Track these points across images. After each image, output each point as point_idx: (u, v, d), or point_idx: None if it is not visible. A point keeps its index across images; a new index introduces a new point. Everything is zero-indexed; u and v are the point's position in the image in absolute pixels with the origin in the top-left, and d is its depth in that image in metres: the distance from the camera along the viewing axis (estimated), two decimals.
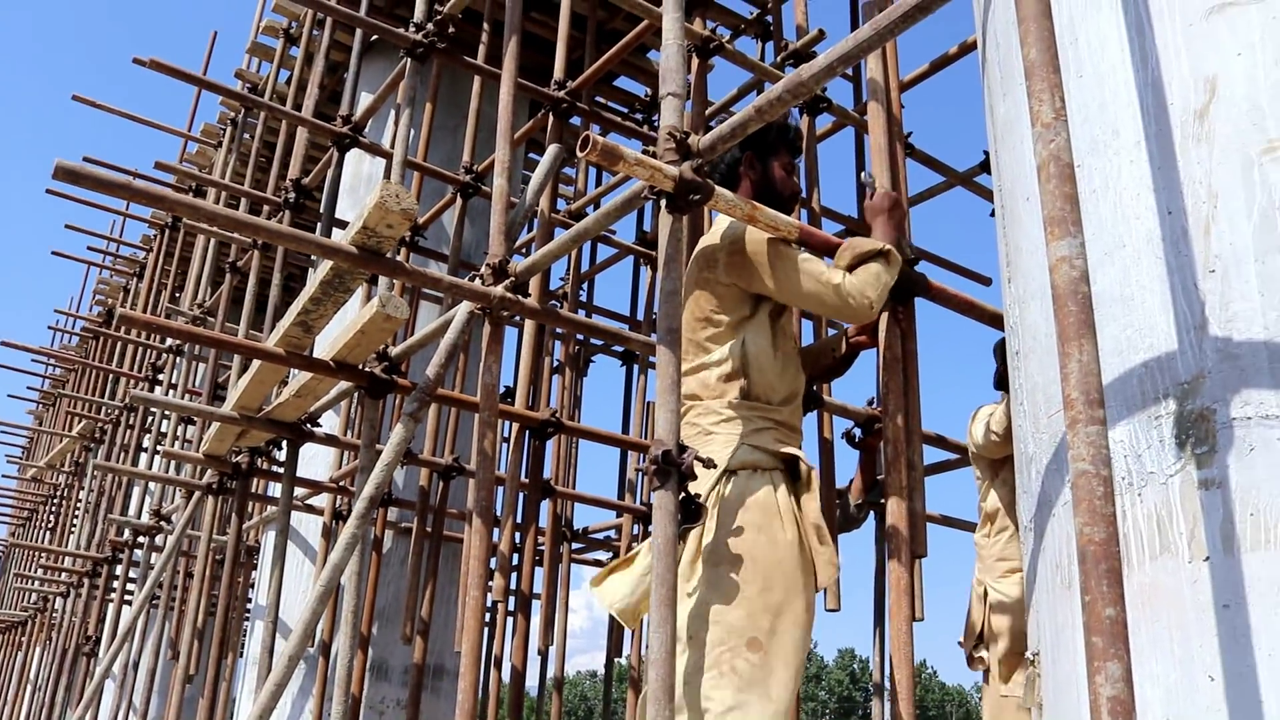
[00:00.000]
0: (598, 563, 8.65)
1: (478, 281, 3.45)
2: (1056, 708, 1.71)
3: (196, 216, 2.86)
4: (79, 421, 11.38)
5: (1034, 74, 1.55)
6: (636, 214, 7.42)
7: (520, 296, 3.41)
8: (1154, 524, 1.55)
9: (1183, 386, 1.56)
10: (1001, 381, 3.97)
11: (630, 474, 7.01)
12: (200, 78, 6.58)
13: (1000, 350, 3.95)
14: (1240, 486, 1.47)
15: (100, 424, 10.77)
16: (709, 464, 2.39)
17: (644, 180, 2.42)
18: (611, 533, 7.57)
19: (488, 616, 7.12)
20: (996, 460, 4.09)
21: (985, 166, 5.92)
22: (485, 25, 6.04)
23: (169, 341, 9.06)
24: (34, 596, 12.89)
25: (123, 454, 9.60)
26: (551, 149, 4.16)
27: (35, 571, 12.41)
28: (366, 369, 3.97)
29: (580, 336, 7.19)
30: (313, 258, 6.57)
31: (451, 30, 5.07)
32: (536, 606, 6.50)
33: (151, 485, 8.66)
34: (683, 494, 2.30)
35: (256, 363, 3.95)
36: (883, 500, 2.88)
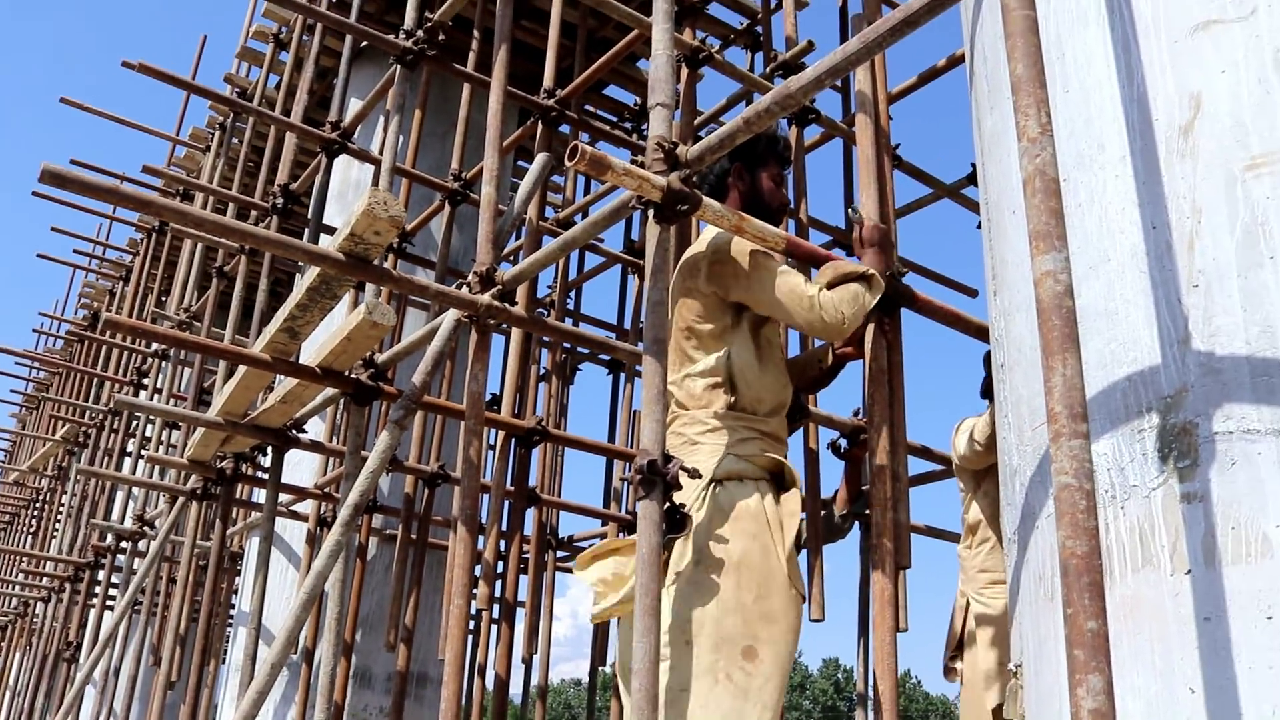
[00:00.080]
0: None
1: (465, 289, 3.45)
2: (1039, 719, 1.71)
3: (183, 221, 2.86)
4: (63, 425, 11.32)
5: (1020, 89, 1.56)
6: (625, 223, 7.43)
7: (507, 305, 3.42)
8: (1136, 537, 1.56)
9: (1166, 400, 1.57)
10: (988, 390, 3.99)
11: (616, 483, 7.00)
12: (189, 82, 6.57)
13: (989, 360, 3.97)
14: (1222, 500, 1.48)
15: (84, 428, 10.72)
16: (694, 474, 2.40)
17: (632, 190, 2.42)
18: (596, 541, 7.55)
19: (472, 624, 7.10)
20: (979, 472, 4.11)
21: (972, 179, 5.95)
22: (475, 33, 6.04)
23: (154, 346, 9.02)
24: (14, 601, 12.80)
25: (106, 458, 9.55)
26: (540, 157, 4.16)
27: (16, 576, 12.34)
28: (352, 376, 3.96)
29: (567, 345, 7.19)
30: (300, 264, 6.56)
31: (441, 37, 5.07)
32: (521, 614, 6.49)
33: (135, 490, 8.62)
34: (667, 504, 2.30)
35: (242, 368, 3.94)
36: (867, 511, 2.89)
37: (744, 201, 2.92)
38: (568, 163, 2.28)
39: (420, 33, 5.00)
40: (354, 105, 6.97)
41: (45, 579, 10.64)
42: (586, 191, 7.70)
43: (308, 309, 3.45)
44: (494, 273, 3.45)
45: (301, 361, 3.94)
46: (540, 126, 5.17)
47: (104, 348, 10.85)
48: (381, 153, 5.06)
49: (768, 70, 4.91)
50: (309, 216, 5.72)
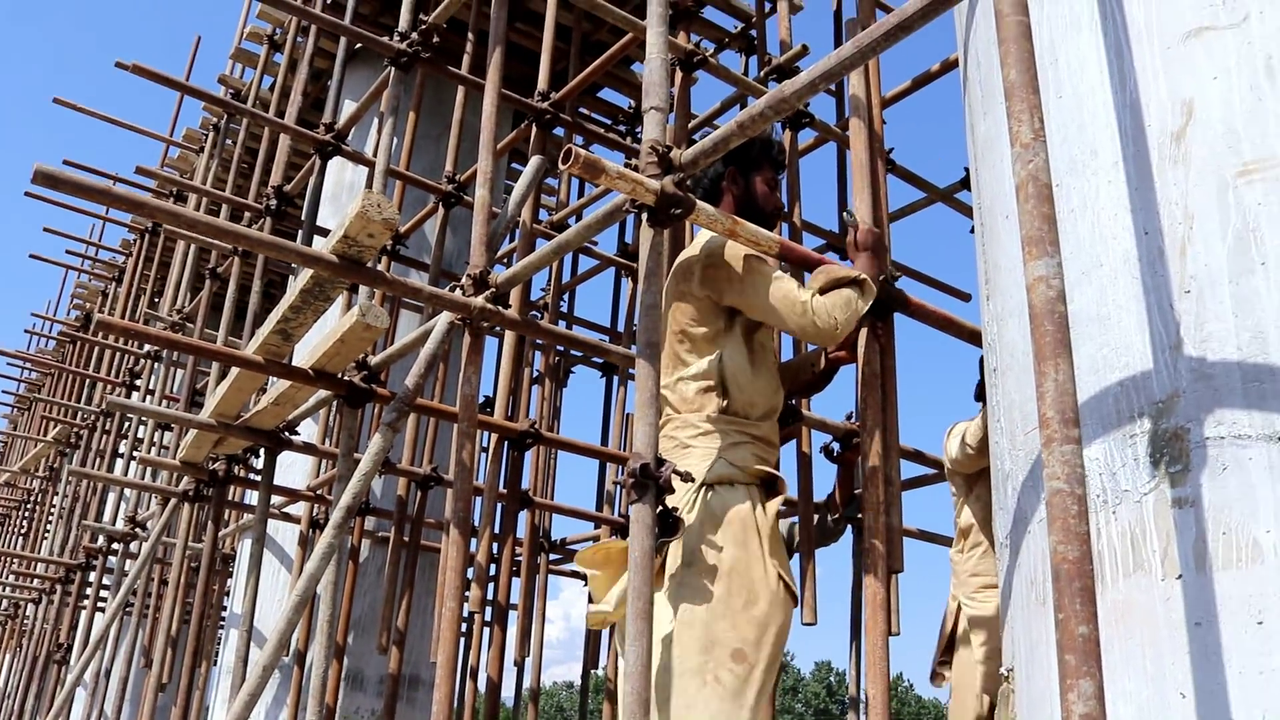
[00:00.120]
0: (575, 574, 8.62)
1: (458, 292, 3.44)
2: None
3: (177, 223, 2.85)
4: (54, 426, 11.28)
5: (1014, 94, 1.57)
6: (618, 226, 7.43)
7: (501, 307, 3.41)
8: (1128, 542, 1.56)
9: (1158, 405, 1.58)
10: (983, 393, 3.99)
11: (609, 486, 7.00)
12: (183, 83, 6.56)
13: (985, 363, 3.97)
14: (1213, 505, 1.49)
15: (76, 429, 10.69)
16: (686, 477, 2.40)
17: (626, 194, 2.42)
18: (589, 544, 7.55)
19: (464, 627, 7.10)
20: (971, 476, 4.11)
21: (966, 183, 5.96)
22: (470, 35, 6.04)
23: (146, 347, 9.00)
24: (5, 603, 12.77)
25: (98, 460, 9.52)
26: (534, 160, 4.16)
27: (7, 577, 12.29)
28: (345, 378, 3.96)
29: (560, 347, 7.19)
30: (293, 265, 6.55)
31: (436, 40, 5.07)
32: (513, 617, 6.48)
33: (127, 492, 8.60)
34: (660, 507, 2.30)
35: (235, 370, 3.94)
36: (860, 515, 2.89)
37: (738, 205, 2.92)
38: (562, 166, 2.28)
39: (415, 35, 4.99)
40: (348, 107, 6.97)
41: (36, 580, 10.61)
42: (580, 194, 7.69)
43: (301, 311, 3.45)
44: (487, 275, 3.45)
45: (294, 363, 3.94)
46: (534, 129, 5.17)
47: (96, 349, 10.83)
48: (375, 155, 5.06)
49: (762, 74, 4.91)
50: (302, 218, 5.71)
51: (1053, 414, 1.38)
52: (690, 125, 5.41)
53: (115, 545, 7.81)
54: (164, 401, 8.18)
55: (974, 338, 3.17)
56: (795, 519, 4.04)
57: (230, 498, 6.23)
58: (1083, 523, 1.33)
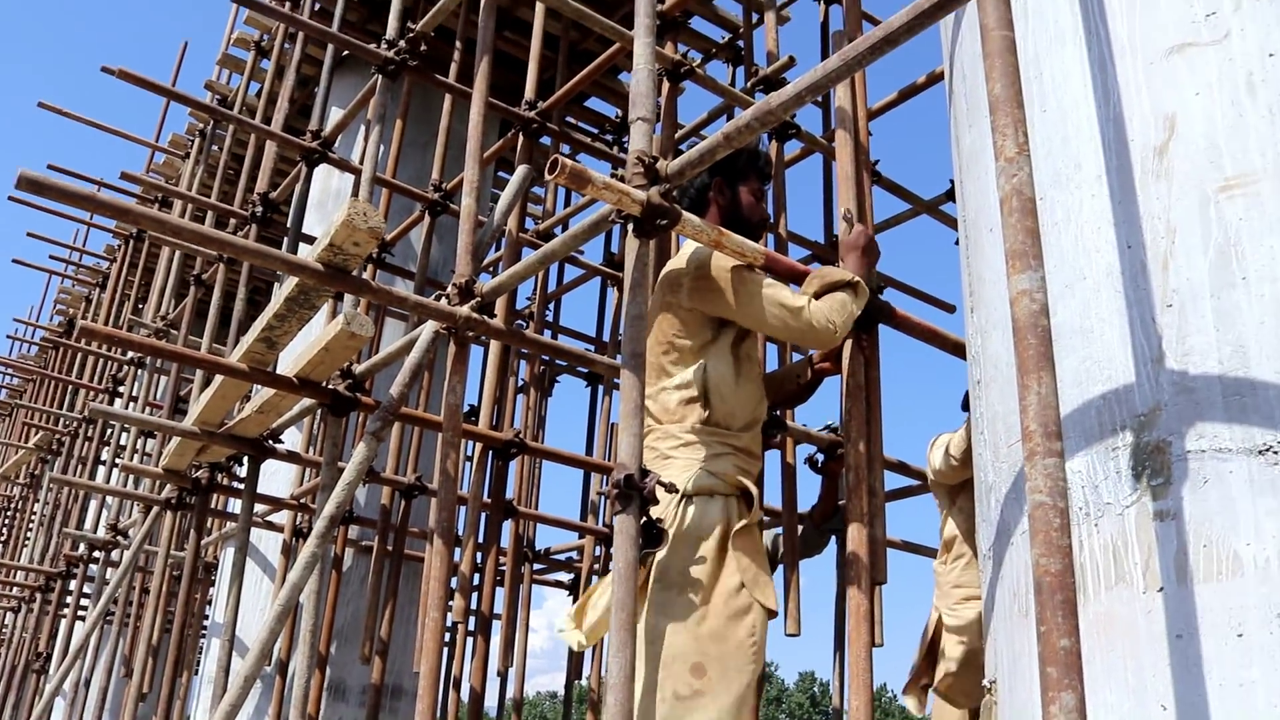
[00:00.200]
0: (559, 584, 8.61)
1: (444, 301, 3.44)
2: None
3: (162, 230, 2.84)
4: (36, 433, 11.22)
5: (998, 108, 1.58)
6: (605, 235, 7.44)
7: (486, 317, 3.41)
8: (1110, 554, 1.57)
9: (1140, 419, 1.58)
10: (969, 402, 4.00)
11: (594, 496, 7.00)
12: (169, 89, 6.54)
13: None
14: (1194, 518, 1.49)
15: (58, 436, 10.63)
16: (671, 488, 2.40)
17: (612, 204, 2.43)
18: (574, 554, 7.55)
19: (447, 637, 7.07)
20: (954, 487, 4.12)
21: (951, 195, 5.98)
22: (458, 43, 6.04)
23: (130, 354, 8.97)
24: None
25: (80, 467, 9.47)
26: (520, 170, 4.16)
27: None
28: (330, 386, 3.94)
29: (545, 357, 7.18)
30: (278, 273, 6.53)
31: (423, 48, 5.07)
32: (497, 627, 6.47)
33: (109, 499, 8.56)
34: (644, 518, 2.30)
35: (219, 377, 3.92)
36: (844, 526, 2.89)
37: (723, 216, 2.92)
38: (548, 176, 2.28)
39: (402, 43, 5.00)
40: (335, 114, 6.95)
41: (15, 589, 10.53)
42: (567, 204, 7.70)
43: (286, 319, 3.44)
44: (473, 284, 3.45)
45: (279, 371, 3.93)
46: (521, 138, 5.18)
47: (79, 355, 10.77)
48: (362, 162, 5.05)
49: (749, 85, 4.93)
50: (288, 225, 5.70)
51: (1035, 427, 1.38)
52: (677, 135, 5.42)
53: (96, 553, 7.76)
54: (147, 408, 8.14)
55: (958, 350, 3.18)
56: (779, 530, 4.04)
57: (213, 506, 6.21)
58: (1065, 535, 1.34)
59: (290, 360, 3.94)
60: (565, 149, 7.16)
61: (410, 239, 6.99)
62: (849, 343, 2.90)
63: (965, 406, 4.08)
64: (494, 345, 4.99)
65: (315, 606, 3.92)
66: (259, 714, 6.03)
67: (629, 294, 2.44)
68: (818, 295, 2.68)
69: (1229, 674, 1.40)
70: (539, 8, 5.17)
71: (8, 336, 13.54)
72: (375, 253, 5.98)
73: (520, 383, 7.08)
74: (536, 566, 7.14)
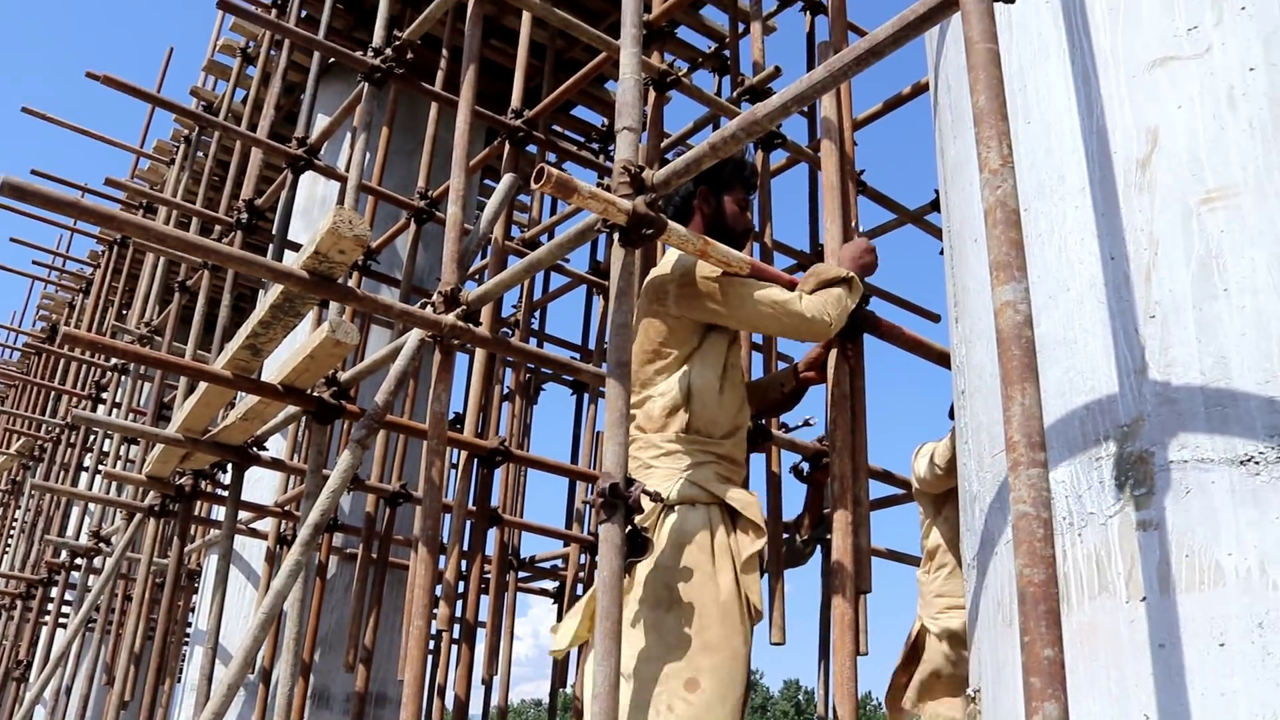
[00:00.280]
0: (544, 591, 8.59)
1: (429, 309, 3.44)
2: None
3: (146, 237, 2.83)
4: (18, 439, 11.14)
5: (983, 121, 1.59)
6: (590, 243, 7.44)
7: (472, 325, 3.41)
8: (1093, 564, 1.57)
9: (1123, 429, 1.59)
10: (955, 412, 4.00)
11: (579, 504, 6.99)
12: (154, 95, 6.52)
13: None
14: (1176, 528, 1.50)
15: (40, 442, 10.56)
16: (656, 497, 2.40)
17: (597, 213, 2.43)
18: (558, 562, 7.54)
19: (431, 645, 7.05)
20: (938, 496, 4.12)
21: (936, 205, 6.00)
22: (444, 51, 6.04)
23: (114, 360, 8.93)
24: None
25: (62, 473, 9.41)
26: (507, 178, 4.16)
27: None
28: (315, 394, 3.93)
29: (531, 365, 7.18)
30: (263, 280, 6.52)
31: (410, 56, 5.07)
32: (481, 635, 6.45)
33: (91, 506, 8.50)
34: (629, 527, 2.30)
35: (203, 384, 3.91)
36: (829, 536, 2.89)
37: (708, 225, 2.93)
38: (534, 185, 2.28)
39: (389, 51, 4.99)
40: (321, 121, 6.94)
41: None
42: (553, 212, 7.70)
43: (271, 326, 3.43)
44: (459, 292, 3.45)
45: (263, 379, 3.91)
46: (507, 146, 5.18)
47: (62, 361, 10.71)
48: (348, 170, 5.05)
49: (735, 95, 4.94)
50: (274, 232, 5.68)
51: (1019, 437, 1.39)
52: (663, 145, 5.43)
53: (78, 560, 7.72)
54: (130, 415, 8.10)
55: (943, 359, 3.19)
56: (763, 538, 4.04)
57: (197, 513, 6.18)
58: (1048, 546, 1.34)
59: (275, 367, 3.93)
60: (551, 157, 7.16)
61: (396, 246, 6.98)
62: (834, 352, 2.91)
63: (952, 415, 4.08)
64: (479, 353, 4.99)
65: (299, 614, 3.91)
66: None
67: (615, 302, 2.45)
68: (811, 292, 2.70)
69: (1211, 683, 1.40)
70: (526, 16, 5.17)
71: None
72: (361, 260, 5.97)
73: (505, 390, 7.07)
74: (521, 574, 7.13)
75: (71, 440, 9.45)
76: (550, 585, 8.43)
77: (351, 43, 7.44)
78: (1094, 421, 1.63)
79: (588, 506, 6.67)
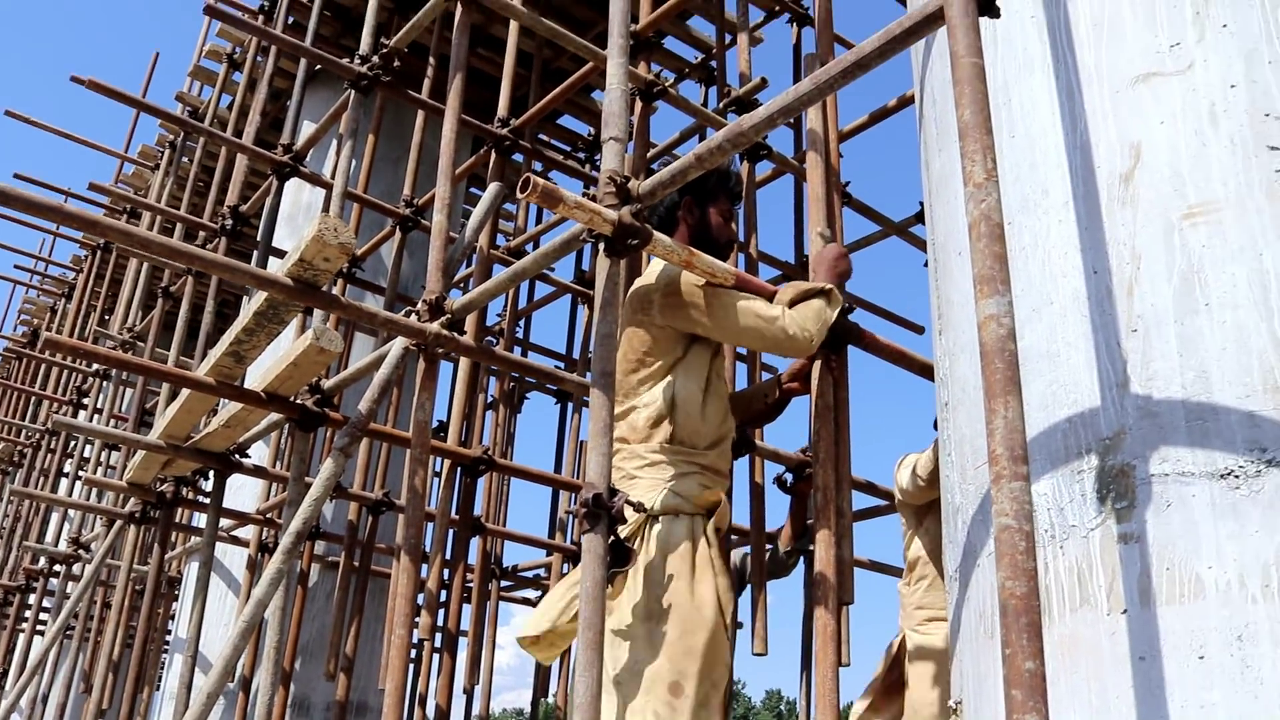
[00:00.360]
0: (526, 600, 8.58)
1: (414, 317, 3.43)
2: None
3: (129, 242, 2.82)
4: None
5: (967, 135, 1.59)
6: (576, 252, 7.44)
7: (456, 334, 3.40)
8: (1075, 576, 1.58)
9: (1105, 442, 1.60)
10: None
11: (562, 513, 6.98)
12: (139, 100, 6.51)
13: None
14: (1157, 541, 1.51)
15: (19, 447, 10.50)
16: (639, 508, 2.40)
17: (583, 223, 2.43)
18: (541, 571, 7.52)
19: (413, 654, 7.03)
20: (921, 508, 4.12)
21: (920, 217, 6.03)
22: (431, 60, 6.04)
23: (95, 365, 8.88)
24: None
25: (42, 479, 9.36)
26: (492, 187, 4.16)
27: None
28: (298, 401, 3.92)
29: (515, 374, 7.17)
30: (248, 287, 6.50)
31: (397, 64, 5.07)
32: (463, 644, 6.43)
33: (71, 512, 8.45)
34: (612, 538, 2.30)
35: (186, 391, 3.89)
36: (812, 547, 2.89)
37: (692, 235, 2.93)
38: (520, 194, 2.28)
39: (376, 58, 4.99)
40: (307, 128, 6.94)
41: None
42: (538, 221, 7.70)
43: (254, 333, 3.42)
44: (443, 301, 3.44)
45: (247, 386, 3.90)
46: (493, 155, 5.18)
47: (43, 366, 10.66)
48: (333, 177, 5.04)
49: (721, 105, 4.95)
50: (258, 239, 5.67)
51: (1002, 451, 1.39)
52: (649, 155, 5.44)
53: (57, 567, 7.66)
54: (112, 421, 8.06)
55: (926, 371, 3.19)
56: (747, 549, 4.05)
57: (178, 520, 6.15)
58: (1030, 559, 1.35)
59: (258, 374, 3.92)
60: (537, 166, 7.17)
61: (381, 254, 6.97)
62: (818, 363, 2.91)
63: (937, 427, 4.08)
64: (463, 362, 4.98)
65: (280, 622, 3.89)
66: None
67: (599, 313, 2.45)
68: (791, 305, 2.70)
69: (1191, 696, 1.41)
70: (513, 26, 5.18)
71: None
72: (345, 268, 5.96)
73: (489, 399, 7.06)
74: (504, 583, 7.11)
75: (52, 446, 9.39)
76: (533, 594, 8.42)
77: (338, 50, 7.43)
78: (1076, 434, 1.64)
79: (571, 516, 6.65)
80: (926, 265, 2.32)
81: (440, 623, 5.84)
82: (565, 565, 6.41)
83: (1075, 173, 1.76)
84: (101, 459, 8.01)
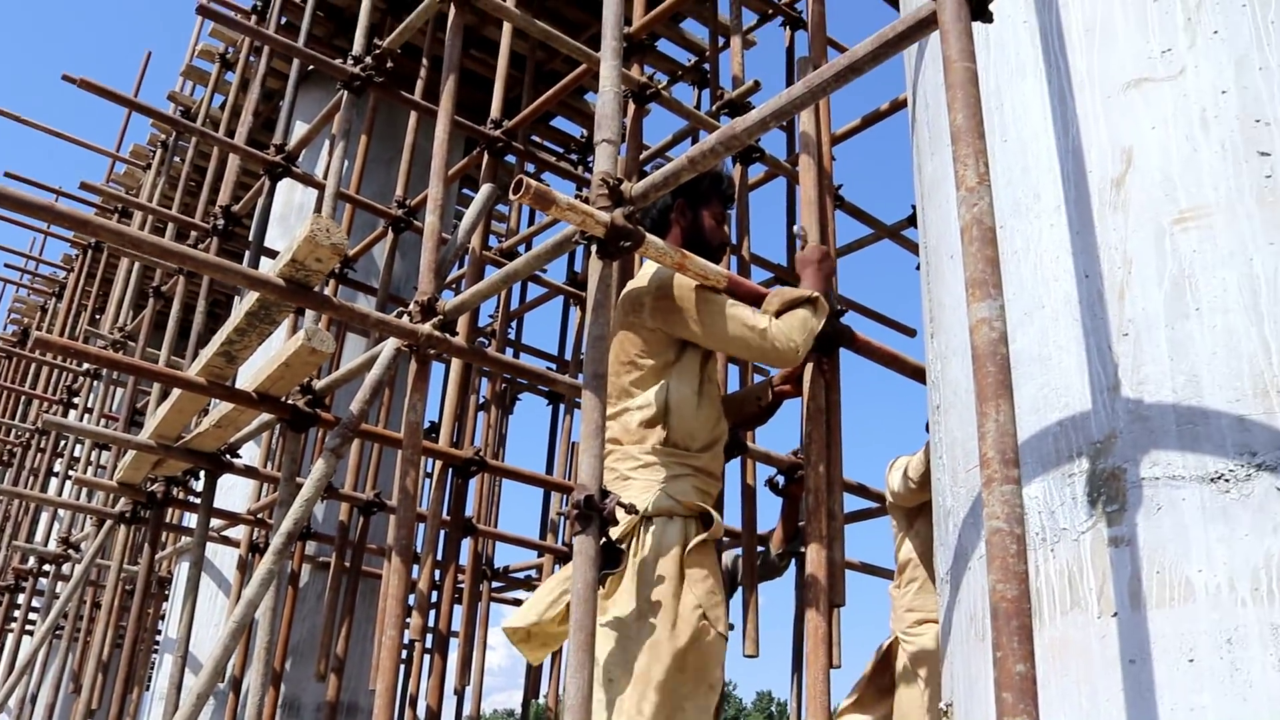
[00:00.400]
0: (517, 602, 8.57)
1: (406, 318, 3.43)
2: None
3: (121, 242, 2.81)
4: None
5: (960, 138, 1.60)
6: (568, 254, 7.44)
7: (448, 335, 3.40)
8: (1065, 579, 1.58)
9: (1096, 445, 1.61)
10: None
11: (553, 515, 6.98)
12: (131, 99, 6.49)
13: None
14: (1148, 545, 1.51)
15: (9, 447, 10.47)
16: (630, 509, 2.40)
17: (576, 225, 2.43)
18: (532, 572, 7.52)
19: (404, 654, 7.02)
20: (912, 510, 4.13)
21: (912, 220, 6.04)
22: (424, 61, 6.04)
23: (86, 365, 8.86)
24: None
25: (32, 479, 9.33)
26: (485, 188, 4.16)
27: None
28: (289, 401, 3.92)
29: (507, 375, 7.17)
30: (239, 287, 6.49)
31: (390, 64, 5.07)
32: (454, 645, 6.43)
33: (61, 512, 8.43)
34: (603, 539, 2.30)
35: (177, 391, 3.89)
36: (803, 549, 2.89)
37: (685, 237, 2.93)
38: (513, 196, 2.28)
39: (369, 59, 4.99)
40: (299, 128, 6.92)
41: None
42: (531, 222, 7.70)
43: (246, 333, 3.41)
44: (435, 302, 3.44)
45: (238, 386, 3.90)
46: (486, 156, 5.18)
47: (34, 365, 10.62)
48: (326, 177, 5.03)
49: (714, 108, 4.96)
50: (250, 239, 5.66)
51: (993, 454, 1.40)
52: (642, 157, 5.44)
53: (47, 567, 7.64)
54: (103, 421, 8.04)
55: (918, 374, 3.20)
56: (738, 551, 4.05)
57: (168, 520, 6.13)
58: (1021, 562, 1.35)
59: (250, 375, 3.91)
60: (530, 168, 7.17)
61: (373, 254, 6.96)
62: (810, 366, 2.91)
63: (929, 429, 4.07)
64: (455, 363, 4.98)
65: (270, 623, 3.88)
66: None
67: (592, 315, 2.45)
68: (778, 314, 2.69)
69: (1180, 699, 1.41)
70: (506, 27, 5.18)
71: None
72: (338, 268, 5.96)
73: (481, 400, 7.06)
74: (495, 584, 7.12)
75: (42, 445, 9.37)
76: (524, 595, 8.41)
77: (331, 50, 7.42)
78: (1067, 438, 1.65)
79: (562, 518, 6.65)
80: (919, 268, 2.33)
81: (431, 624, 5.84)
82: (556, 566, 6.41)
83: (1067, 177, 1.76)
84: (92, 459, 8.00)
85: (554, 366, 7.72)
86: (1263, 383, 1.51)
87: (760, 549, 3.92)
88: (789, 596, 4.42)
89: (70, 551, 7.22)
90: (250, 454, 6.02)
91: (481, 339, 6.81)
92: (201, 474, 4.59)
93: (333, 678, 5.25)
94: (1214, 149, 1.63)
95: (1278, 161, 1.60)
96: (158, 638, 8.67)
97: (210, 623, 6.30)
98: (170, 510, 5.34)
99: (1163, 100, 1.69)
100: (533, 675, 6.82)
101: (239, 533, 6.12)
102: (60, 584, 7.53)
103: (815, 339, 2.76)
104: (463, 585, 5.63)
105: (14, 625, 8.66)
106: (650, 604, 2.49)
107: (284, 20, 7.01)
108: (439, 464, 4.71)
